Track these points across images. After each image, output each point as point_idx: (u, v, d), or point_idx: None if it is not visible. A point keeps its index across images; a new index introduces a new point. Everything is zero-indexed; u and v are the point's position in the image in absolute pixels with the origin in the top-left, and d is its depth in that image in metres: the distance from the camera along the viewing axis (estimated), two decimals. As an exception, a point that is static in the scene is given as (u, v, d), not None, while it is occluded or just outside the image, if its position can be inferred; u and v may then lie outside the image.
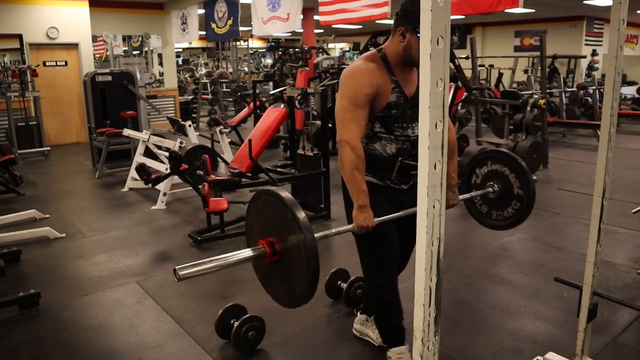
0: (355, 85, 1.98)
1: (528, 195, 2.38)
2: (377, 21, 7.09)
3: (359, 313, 2.68)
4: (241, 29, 9.52)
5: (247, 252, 1.65)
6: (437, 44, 1.10)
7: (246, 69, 14.65)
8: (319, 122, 5.85)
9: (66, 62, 9.32)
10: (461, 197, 2.35)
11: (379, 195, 2.13)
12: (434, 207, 1.18)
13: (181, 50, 19.61)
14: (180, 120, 6.71)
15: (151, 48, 11.08)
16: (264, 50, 21.14)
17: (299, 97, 5.21)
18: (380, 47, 2.09)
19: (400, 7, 2.00)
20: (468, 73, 8.97)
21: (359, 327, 2.64)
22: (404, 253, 2.39)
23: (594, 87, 10.05)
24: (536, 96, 7.07)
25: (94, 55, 10.56)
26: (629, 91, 13.30)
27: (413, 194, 1.80)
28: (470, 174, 2.62)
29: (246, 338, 2.52)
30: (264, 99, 8.45)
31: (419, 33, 1.65)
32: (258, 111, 7.45)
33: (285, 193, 1.64)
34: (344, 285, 2.97)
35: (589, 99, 10.12)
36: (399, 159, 2.11)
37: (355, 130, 1.97)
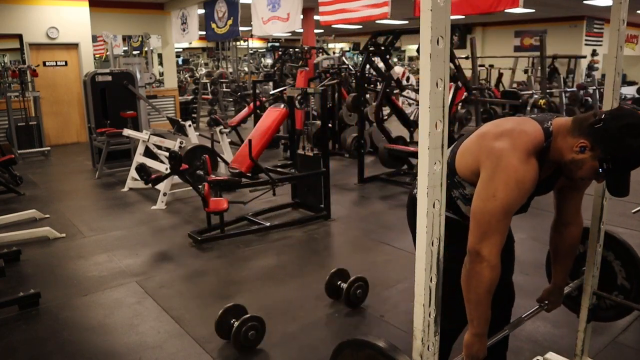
0: (518, 192, 1.50)
1: (638, 290, 1.98)
2: (377, 21, 7.10)
3: None
4: (241, 29, 9.52)
5: None
6: (437, 44, 1.10)
7: (246, 69, 14.66)
8: (319, 122, 5.86)
9: (66, 62, 9.32)
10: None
11: None
12: (433, 206, 1.18)
13: (181, 50, 19.61)
14: (180, 120, 6.71)
15: (151, 48, 11.08)
16: (264, 50, 21.15)
17: (299, 97, 5.21)
18: (550, 130, 1.56)
19: (608, 121, 1.44)
20: (468, 73, 8.97)
21: None
22: None
23: (594, 87, 10.07)
24: (536, 96, 7.08)
25: (94, 55, 10.56)
26: (629, 91, 13.31)
27: None
28: None
29: (246, 338, 2.52)
30: (264, 99, 8.45)
31: (612, 167, 1.45)
32: (258, 111, 7.45)
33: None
34: (344, 286, 2.97)
35: (589, 99, 10.12)
36: None
37: (500, 244, 1.52)
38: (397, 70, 7.70)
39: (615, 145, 1.43)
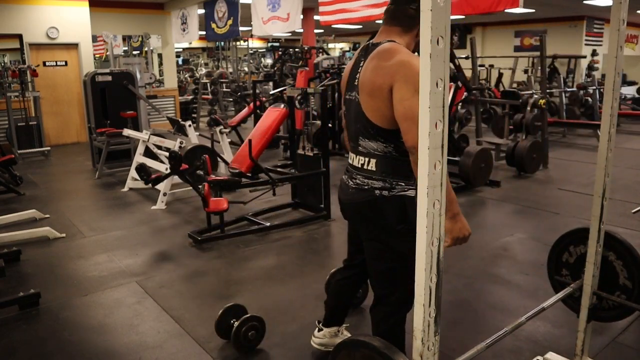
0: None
1: None
2: (377, 21, 7.09)
3: (323, 327, 2.48)
4: (241, 29, 9.53)
5: None
6: (437, 44, 1.10)
7: (246, 69, 14.66)
8: (319, 122, 5.85)
9: (66, 62, 9.32)
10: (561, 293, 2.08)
11: None
12: (433, 206, 1.18)
13: (181, 50, 19.61)
14: (180, 120, 6.71)
15: (151, 48, 11.08)
16: (264, 50, 21.15)
17: (299, 97, 5.21)
18: (387, 40, 1.87)
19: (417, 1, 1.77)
20: (468, 73, 8.96)
21: (329, 340, 2.46)
22: None
23: (594, 87, 10.06)
24: (536, 96, 7.07)
25: (94, 55, 10.56)
26: (629, 91, 13.31)
27: None
28: (562, 251, 2.30)
29: (246, 338, 2.52)
30: (264, 99, 8.45)
31: None
32: (258, 111, 7.45)
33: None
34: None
35: (589, 99, 10.12)
36: None
37: None
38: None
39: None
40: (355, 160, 1.98)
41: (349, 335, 2.49)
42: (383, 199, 1.88)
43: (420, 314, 1.24)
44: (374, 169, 1.91)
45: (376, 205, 1.90)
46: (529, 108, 6.98)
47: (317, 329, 2.52)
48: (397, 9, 1.89)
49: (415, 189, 1.70)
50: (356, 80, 1.92)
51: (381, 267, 2.01)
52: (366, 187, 1.92)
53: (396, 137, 1.82)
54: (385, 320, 2.05)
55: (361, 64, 1.91)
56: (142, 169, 4.47)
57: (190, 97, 12.36)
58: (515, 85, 12.53)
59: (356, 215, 2.04)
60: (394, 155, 1.86)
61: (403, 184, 1.87)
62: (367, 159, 1.92)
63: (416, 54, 1.86)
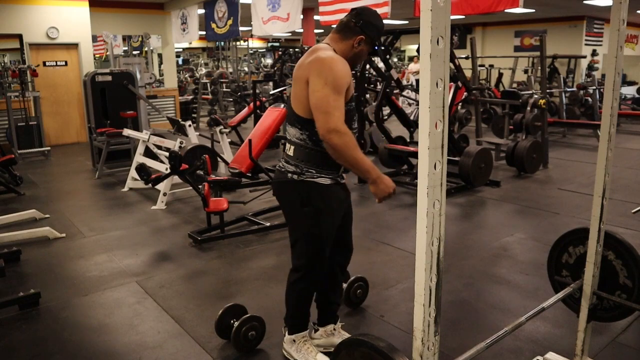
0: (336, 73, 1.98)
1: None
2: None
3: (318, 327, 2.53)
4: (241, 29, 9.53)
5: None
6: (437, 44, 1.10)
7: (246, 69, 14.66)
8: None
9: (66, 62, 9.32)
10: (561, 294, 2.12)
11: (339, 194, 2.22)
12: (433, 206, 1.18)
13: (181, 50, 19.61)
14: (180, 120, 6.71)
15: (151, 48, 11.08)
16: (264, 50, 21.15)
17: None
18: (325, 44, 2.16)
19: (363, 17, 2.12)
20: (468, 73, 8.97)
21: (326, 339, 2.50)
22: (350, 238, 2.46)
23: (594, 87, 10.06)
24: (536, 96, 7.08)
25: (94, 55, 10.57)
26: (629, 91, 13.31)
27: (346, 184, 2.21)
28: (562, 251, 2.30)
29: (246, 338, 2.52)
30: (264, 99, 8.45)
31: (371, 40, 2.13)
32: (258, 111, 7.45)
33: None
34: (344, 285, 2.97)
35: (589, 99, 10.12)
36: None
37: (342, 117, 1.98)
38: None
39: (373, 28, 2.13)
40: (286, 145, 2.24)
41: (345, 333, 2.53)
42: (293, 182, 2.14)
43: (420, 314, 1.24)
44: (291, 154, 2.17)
45: (286, 186, 2.19)
46: (529, 108, 6.98)
47: (313, 330, 2.53)
48: (343, 20, 2.18)
49: (327, 177, 2.14)
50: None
51: (292, 239, 2.30)
52: (283, 169, 2.20)
53: (311, 126, 2.05)
54: (294, 285, 2.32)
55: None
56: (142, 169, 4.47)
57: (190, 97, 12.36)
58: (515, 85, 12.53)
59: (275, 194, 2.36)
60: (307, 144, 2.11)
61: (313, 172, 2.12)
62: (289, 145, 2.19)
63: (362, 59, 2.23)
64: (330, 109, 1.94)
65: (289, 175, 2.15)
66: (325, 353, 2.41)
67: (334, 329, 2.53)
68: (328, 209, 2.16)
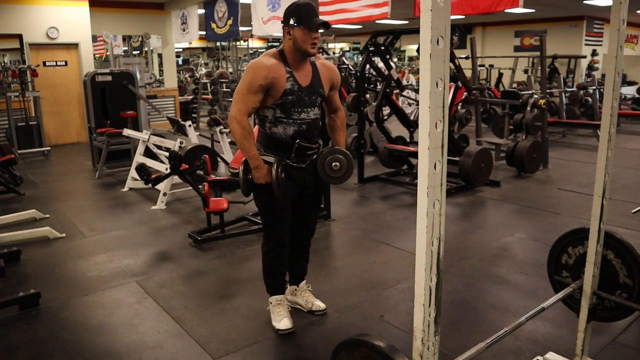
0: (253, 75, 2.38)
1: None
2: (377, 21, 7.09)
3: (288, 286, 2.95)
4: (241, 29, 9.52)
5: None
6: (437, 44, 1.10)
7: (246, 69, 14.61)
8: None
9: (66, 62, 9.32)
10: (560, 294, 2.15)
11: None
12: (433, 206, 1.18)
13: (181, 50, 19.60)
14: (180, 120, 6.71)
15: (151, 48, 11.08)
16: (264, 50, 21.12)
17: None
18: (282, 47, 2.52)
19: (284, 15, 2.45)
20: (468, 73, 8.97)
21: (291, 298, 2.93)
22: (309, 220, 2.81)
23: (594, 87, 10.06)
24: (536, 96, 7.07)
25: (94, 55, 10.56)
26: (629, 91, 13.31)
27: (309, 170, 2.59)
28: (562, 251, 2.30)
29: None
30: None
31: (296, 24, 2.38)
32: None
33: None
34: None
35: (589, 99, 10.12)
36: (296, 141, 2.48)
37: (243, 109, 2.39)
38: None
39: (292, 11, 2.41)
40: None
41: (310, 295, 2.95)
42: None
43: (420, 314, 1.24)
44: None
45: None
46: (529, 108, 6.98)
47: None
48: None
49: (272, 156, 2.50)
50: None
51: (258, 211, 2.76)
52: None
53: (260, 114, 2.51)
54: (262, 249, 2.71)
55: None
56: (142, 169, 4.48)
57: (190, 97, 12.36)
58: (515, 85, 12.53)
59: None
60: (261, 128, 2.55)
61: (262, 150, 2.53)
62: None
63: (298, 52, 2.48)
64: (236, 101, 2.40)
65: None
66: (294, 309, 2.88)
67: (296, 289, 2.94)
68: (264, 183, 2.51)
